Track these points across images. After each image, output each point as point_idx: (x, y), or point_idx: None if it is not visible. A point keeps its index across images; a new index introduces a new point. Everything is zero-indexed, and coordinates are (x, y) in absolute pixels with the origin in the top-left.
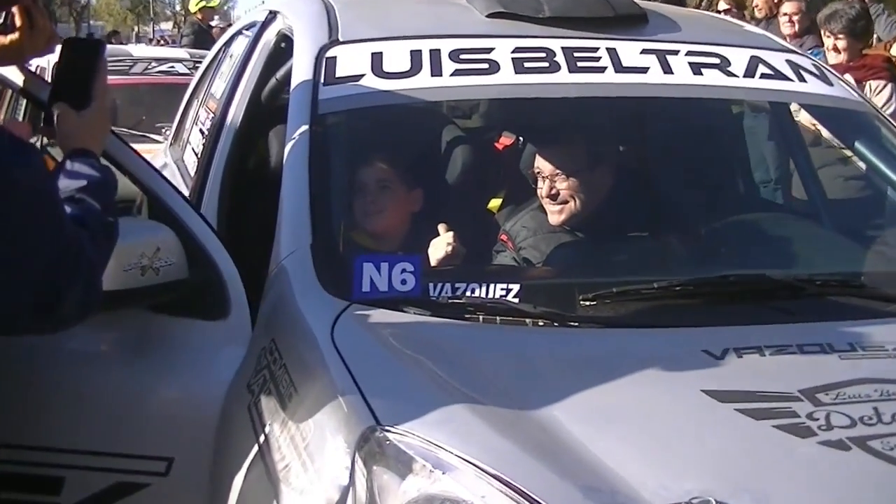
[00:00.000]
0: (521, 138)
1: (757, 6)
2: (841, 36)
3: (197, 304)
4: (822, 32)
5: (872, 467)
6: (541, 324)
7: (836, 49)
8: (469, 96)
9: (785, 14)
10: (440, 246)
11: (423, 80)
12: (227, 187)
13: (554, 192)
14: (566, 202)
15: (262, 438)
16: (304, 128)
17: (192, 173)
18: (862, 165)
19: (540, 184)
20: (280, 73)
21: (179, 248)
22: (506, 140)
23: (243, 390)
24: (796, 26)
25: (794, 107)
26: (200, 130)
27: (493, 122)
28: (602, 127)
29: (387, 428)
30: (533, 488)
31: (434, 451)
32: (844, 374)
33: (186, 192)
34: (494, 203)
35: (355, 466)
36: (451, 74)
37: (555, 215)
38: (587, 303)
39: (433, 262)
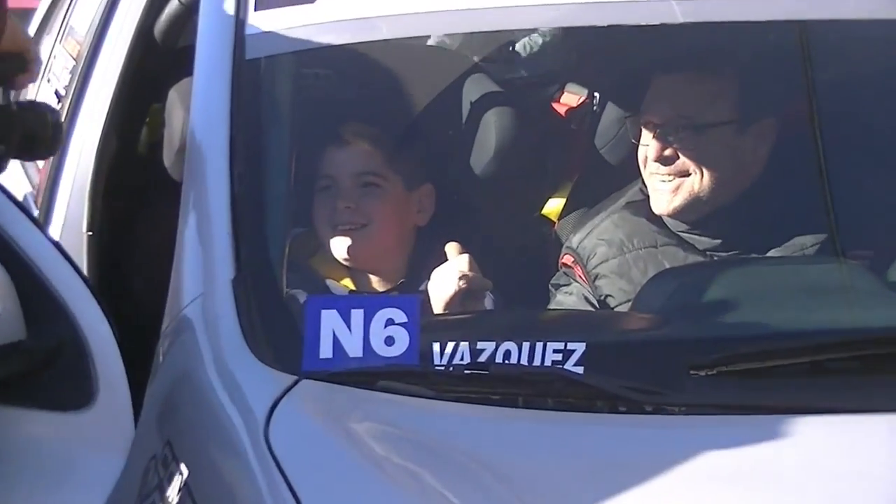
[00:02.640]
0: (596, 95)
1: None
2: None
3: (41, 385)
4: None
5: None
6: (623, 409)
7: None
8: (509, 26)
9: None
10: (448, 278)
11: None
12: (100, 185)
13: (668, 153)
14: (686, 174)
15: None
16: (222, 84)
17: (40, 162)
18: None
19: (644, 144)
20: None
21: (11, 292)
22: (571, 98)
23: None
24: None
25: None
26: (56, 91)
27: (550, 68)
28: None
29: None
30: None
31: None
32: None
33: (26, 196)
34: (554, 206)
35: None
36: None
37: (663, 197)
38: (703, 373)
39: (437, 306)
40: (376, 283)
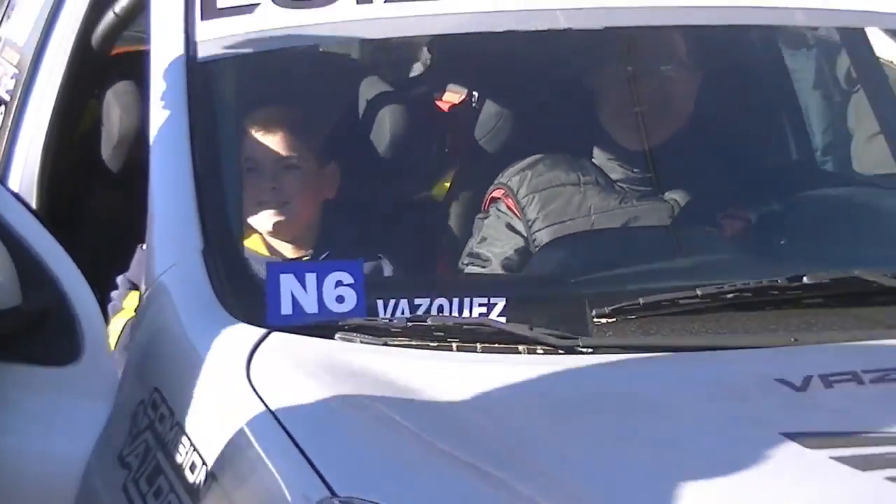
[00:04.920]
0: (475, 94)
1: None
2: None
3: (35, 344)
4: None
5: None
6: (540, 351)
7: None
8: (417, 32)
9: None
10: None
11: (347, 8)
12: (45, 179)
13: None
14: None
15: None
16: (178, 82)
17: None
18: None
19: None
20: (120, 6)
21: (8, 264)
22: (452, 97)
23: (113, 465)
24: None
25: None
26: None
27: (434, 71)
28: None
29: (347, 500)
30: None
31: None
32: None
33: None
34: (440, 188)
35: None
36: (386, 0)
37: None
38: (603, 320)
39: None
40: (291, 251)
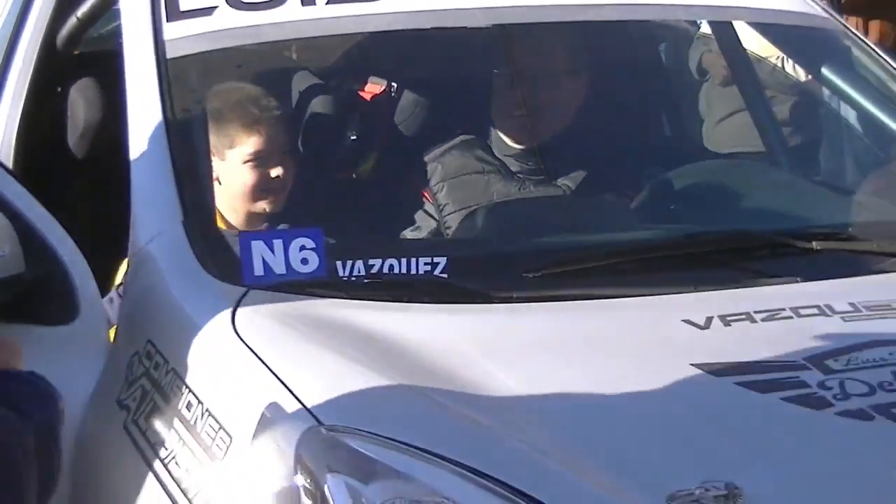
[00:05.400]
0: (394, 85)
1: None
2: None
3: (36, 306)
4: None
5: None
6: (479, 302)
7: None
8: (356, 29)
9: None
10: None
11: (292, 10)
12: (18, 165)
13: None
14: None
15: (154, 462)
16: (152, 77)
17: None
18: (831, 99)
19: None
20: (82, 11)
21: (13, 236)
22: (374, 87)
23: (111, 408)
24: None
25: (742, 30)
26: None
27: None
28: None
29: (332, 428)
30: (521, 483)
31: (395, 448)
32: (852, 337)
33: None
34: (365, 168)
35: (297, 480)
36: (328, 2)
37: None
38: (531, 275)
39: None
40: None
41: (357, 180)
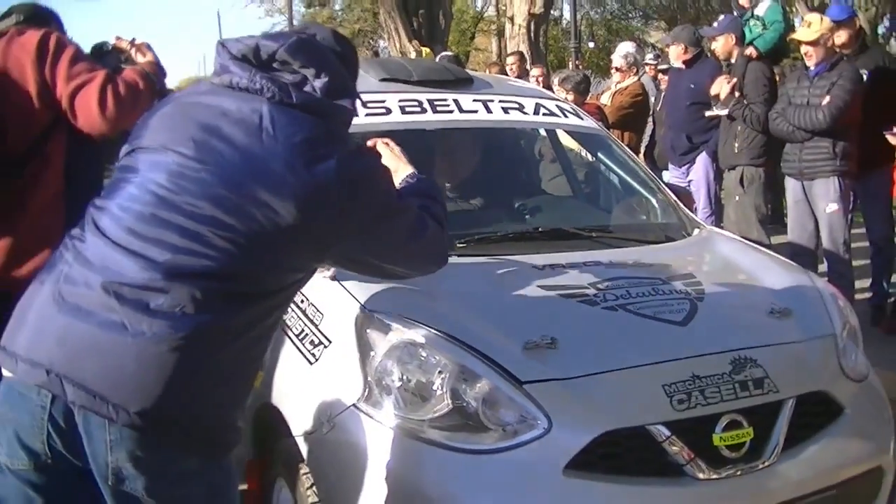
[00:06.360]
0: None
1: (511, 68)
2: (570, 91)
3: None
4: (557, 89)
5: (629, 320)
6: None
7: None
8: (380, 129)
9: (533, 76)
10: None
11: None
12: None
13: None
14: None
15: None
16: None
17: None
18: (602, 168)
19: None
20: None
21: None
22: None
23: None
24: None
25: (560, 134)
26: None
27: None
28: (459, 145)
29: (369, 310)
30: (452, 332)
31: (400, 318)
32: (609, 276)
33: None
34: None
35: (354, 329)
36: (365, 116)
37: None
38: (461, 244)
39: None
40: None
41: None
